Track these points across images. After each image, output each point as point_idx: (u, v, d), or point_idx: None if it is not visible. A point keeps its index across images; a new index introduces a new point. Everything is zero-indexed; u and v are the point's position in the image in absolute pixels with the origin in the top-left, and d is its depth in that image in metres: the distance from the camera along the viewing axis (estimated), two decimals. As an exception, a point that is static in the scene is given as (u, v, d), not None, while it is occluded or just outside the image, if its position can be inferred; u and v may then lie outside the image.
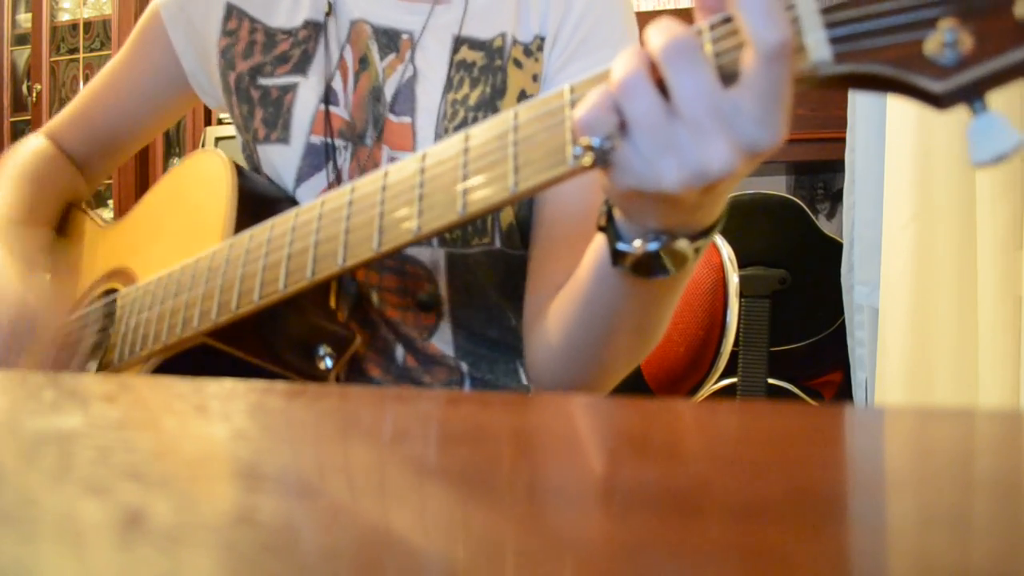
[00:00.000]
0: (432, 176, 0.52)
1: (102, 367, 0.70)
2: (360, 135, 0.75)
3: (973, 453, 0.30)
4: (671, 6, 2.28)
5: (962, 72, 0.39)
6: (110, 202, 2.96)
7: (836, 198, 2.47)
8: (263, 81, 0.78)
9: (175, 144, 2.94)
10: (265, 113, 0.77)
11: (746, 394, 1.74)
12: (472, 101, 0.74)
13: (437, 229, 0.52)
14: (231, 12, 0.81)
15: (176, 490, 0.25)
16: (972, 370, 1.39)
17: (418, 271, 0.74)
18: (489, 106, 0.74)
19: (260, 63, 0.78)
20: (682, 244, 0.49)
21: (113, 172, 1.20)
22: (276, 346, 0.65)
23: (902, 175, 1.48)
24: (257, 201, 0.69)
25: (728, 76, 0.43)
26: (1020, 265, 1.32)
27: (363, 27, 0.77)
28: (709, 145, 0.42)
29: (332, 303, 0.71)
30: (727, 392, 1.76)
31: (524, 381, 0.79)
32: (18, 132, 3.13)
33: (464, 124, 0.73)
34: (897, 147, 1.50)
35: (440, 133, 0.73)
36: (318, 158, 0.75)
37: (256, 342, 0.64)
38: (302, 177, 0.76)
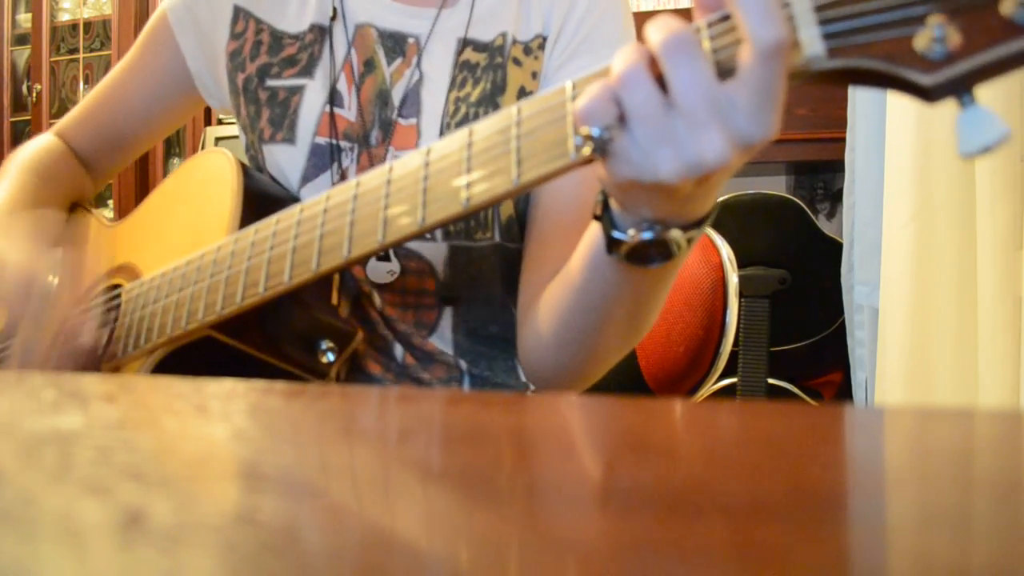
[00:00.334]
0: (436, 170, 0.53)
1: (106, 359, 0.70)
2: (366, 136, 0.76)
3: (973, 453, 0.30)
4: (671, 6, 2.29)
5: (950, 66, 0.40)
6: (110, 203, 2.96)
7: (836, 198, 2.47)
8: (271, 82, 0.79)
9: (175, 145, 2.94)
10: (272, 113, 0.78)
11: (746, 394, 1.74)
12: (474, 98, 0.75)
13: (440, 221, 0.52)
14: (238, 14, 0.82)
15: (176, 490, 0.25)
16: (972, 370, 1.39)
17: (422, 267, 0.75)
18: (490, 102, 0.75)
19: (267, 64, 0.79)
20: (675, 234, 0.51)
21: (119, 172, 1.21)
22: (279, 340, 0.66)
23: (902, 175, 1.48)
24: (262, 200, 0.70)
25: (725, 71, 0.44)
26: (1020, 265, 1.32)
27: (368, 31, 0.78)
28: (704, 137, 0.43)
29: (334, 299, 0.71)
30: (727, 392, 1.76)
31: (523, 378, 0.80)
32: (18, 132, 3.13)
33: (466, 120, 0.74)
34: (897, 147, 1.50)
35: (444, 130, 0.75)
36: (323, 159, 0.76)
37: (260, 336, 0.64)
38: (307, 177, 0.76)
